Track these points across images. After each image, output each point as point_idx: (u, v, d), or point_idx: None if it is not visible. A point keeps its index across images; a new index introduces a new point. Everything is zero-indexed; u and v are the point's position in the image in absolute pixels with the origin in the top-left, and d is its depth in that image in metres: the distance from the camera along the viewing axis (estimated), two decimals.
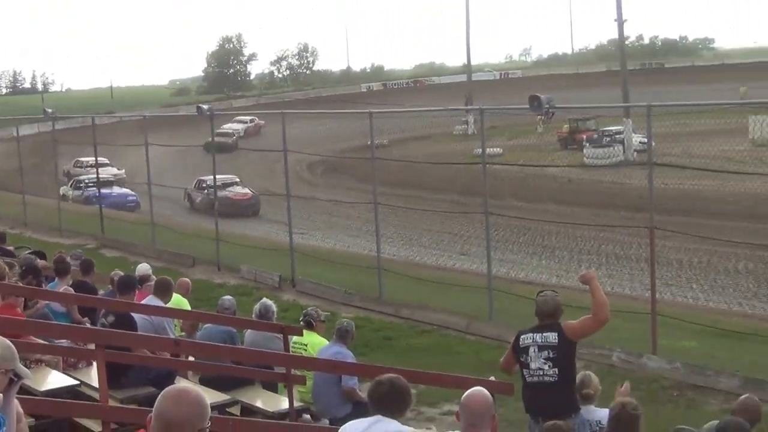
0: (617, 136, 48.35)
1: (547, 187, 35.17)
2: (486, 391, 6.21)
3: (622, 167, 40.15)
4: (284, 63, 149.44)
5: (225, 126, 57.22)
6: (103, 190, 34.62)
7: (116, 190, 38.82)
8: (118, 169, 45.84)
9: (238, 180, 38.79)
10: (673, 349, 15.26)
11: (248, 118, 69.43)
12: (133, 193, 38.60)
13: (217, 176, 35.48)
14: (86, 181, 40.93)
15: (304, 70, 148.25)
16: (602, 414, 8.32)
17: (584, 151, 48.81)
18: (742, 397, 8.38)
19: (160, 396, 4.08)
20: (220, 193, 33.97)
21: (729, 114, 54.47)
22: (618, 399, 7.47)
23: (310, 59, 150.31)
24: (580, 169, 42.80)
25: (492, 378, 9.48)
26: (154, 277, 13.08)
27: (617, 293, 20.24)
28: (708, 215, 27.04)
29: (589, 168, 43.78)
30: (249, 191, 38.38)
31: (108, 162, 43.93)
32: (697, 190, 30.80)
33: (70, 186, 41.91)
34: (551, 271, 23.65)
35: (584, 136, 51.88)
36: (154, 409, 4.03)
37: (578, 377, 8.95)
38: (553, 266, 24.71)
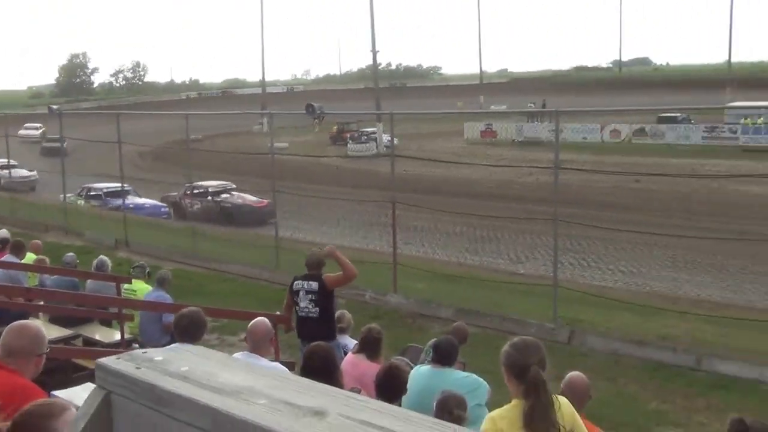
0: (372, 135, 49.04)
1: (321, 172, 35.28)
2: (266, 321, 6.21)
3: (375, 158, 40.77)
4: (121, 75, 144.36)
5: (20, 132, 48.49)
6: (135, 201, 27.08)
7: (147, 201, 28.68)
8: (29, 170, 36.19)
9: (234, 186, 29.75)
10: (408, 288, 15.58)
11: (38, 124, 59.13)
12: (164, 204, 28.77)
13: (211, 182, 29.59)
14: (104, 190, 29.44)
15: (137, 81, 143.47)
16: (350, 341, 8.52)
17: (348, 146, 49.20)
18: (456, 323, 8.69)
19: (5, 329, 3.91)
20: (234, 201, 28.34)
21: (450, 121, 56.20)
22: (366, 325, 7.60)
23: (142, 73, 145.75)
24: (345, 159, 43.13)
25: (277, 312, 9.56)
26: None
27: (370, 249, 20.58)
28: (435, 193, 27.68)
29: (351, 158, 44.18)
30: (249, 196, 28.49)
31: (17, 164, 35.69)
32: (429, 174, 31.56)
33: (79, 194, 29.33)
34: (323, 234, 23.79)
35: (348, 135, 52.24)
36: (0, 339, 3.86)
37: (337, 313, 9.12)
38: (324, 230, 24.85)
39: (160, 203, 28.82)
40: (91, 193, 29.62)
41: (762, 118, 44.45)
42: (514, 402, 4.11)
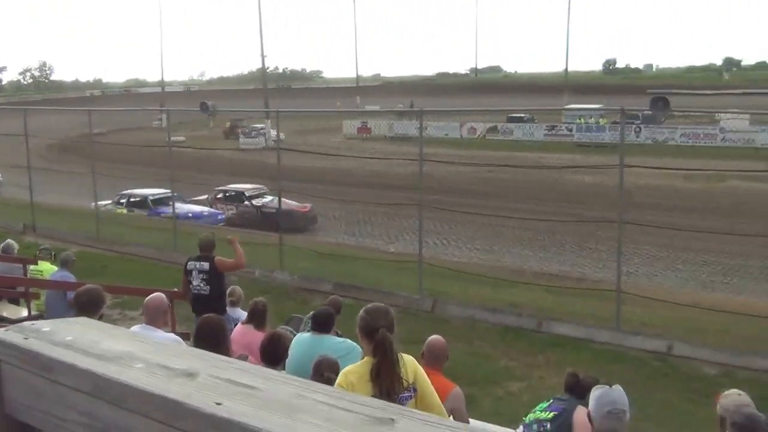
0: (261, 130, 48.53)
1: (216, 163, 34.56)
2: (161, 296, 6.07)
3: (264, 151, 40.32)
4: (28, 74, 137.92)
5: None
6: (192, 209, 22.87)
7: (204, 208, 23.96)
8: None
9: (266, 189, 24.52)
10: (294, 266, 15.55)
11: None
12: (220, 211, 24.04)
13: (245, 186, 25.31)
14: (150, 197, 23.81)
15: (44, 80, 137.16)
16: (241, 313, 8.42)
17: (240, 140, 48.57)
18: (332, 296, 8.72)
19: None
20: (276, 205, 21.10)
21: (331, 119, 56.11)
22: (253, 299, 7.54)
23: (48, 72, 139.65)
24: (238, 152, 42.43)
25: (175, 289, 9.38)
26: None
27: (260, 233, 20.40)
28: (318, 182, 27.54)
29: (243, 151, 43.56)
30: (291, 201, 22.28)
31: None
32: (312, 166, 31.37)
33: (118, 202, 24.05)
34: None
35: (240, 130, 51.56)
36: None
37: (229, 288, 9.02)
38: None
39: (216, 210, 23.85)
40: (133, 200, 23.80)
41: (593, 119, 46.21)
42: (365, 359, 4.23)
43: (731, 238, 18.35)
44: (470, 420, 5.70)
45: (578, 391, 5.08)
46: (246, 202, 24.08)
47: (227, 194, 24.43)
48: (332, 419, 0.78)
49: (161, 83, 73.95)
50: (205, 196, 24.32)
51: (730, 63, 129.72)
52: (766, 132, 38.48)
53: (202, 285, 8.80)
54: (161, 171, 23.28)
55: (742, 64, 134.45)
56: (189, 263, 9.02)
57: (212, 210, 24.09)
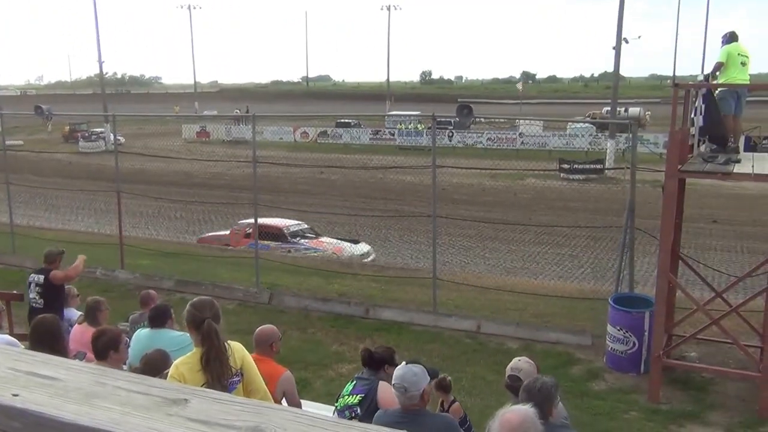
0: (101, 134, 46.34)
1: (55, 167, 32.54)
2: None
3: (104, 154, 38.37)
4: None
5: None
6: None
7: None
8: None
9: None
10: (134, 265, 14.94)
11: None
12: None
13: None
14: None
15: None
16: (74, 313, 7.96)
17: (79, 143, 46.07)
18: (143, 291, 8.36)
19: None
20: None
21: (170, 123, 54.24)
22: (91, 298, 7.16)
23: None
24: (78, 155, 40.18)
25: (14, 291, 8.85)
26: None
27: (100, 233, 19.44)
28: (158, 184, 26.61)
29: (83, 154, 41.28)
30: None
31: None
32: (152, 168, 30.19)
33: None
34: (59, 221, 22.19)
35: (79, 134, 48.84)
36: None
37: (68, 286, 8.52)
38: (59, 217, 23.02)
39: None
40: None
41: (411, 124, 47.49)
42: (194, 350, 4.15)
43: (530, 228, 19.51)
44: (302, 401, 5.71)
45: (373, 364, 5.09)
46: None
47: None
48: (128, 403, 0.78)
49: None
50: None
51: (527, 76, 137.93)
52: (556, 136, 41.10)
53: (36, 298, 8.26)
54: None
55: (537, 77, 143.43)
56: (30, 276, 8.48)
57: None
